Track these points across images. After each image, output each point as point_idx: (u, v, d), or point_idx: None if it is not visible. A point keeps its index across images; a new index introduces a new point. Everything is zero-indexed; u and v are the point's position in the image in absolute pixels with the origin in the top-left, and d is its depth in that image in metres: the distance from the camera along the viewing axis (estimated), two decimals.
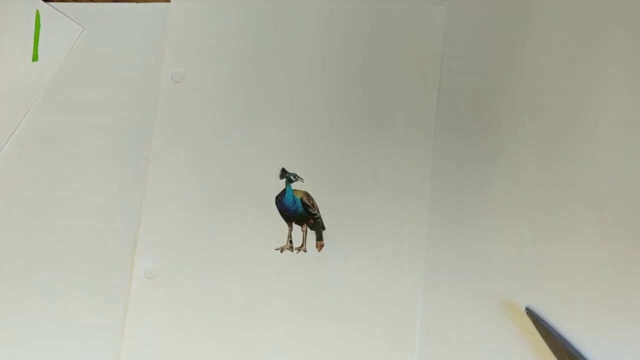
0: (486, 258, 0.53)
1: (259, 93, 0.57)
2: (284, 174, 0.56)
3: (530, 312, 0.52)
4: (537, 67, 0.55)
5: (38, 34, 0.57)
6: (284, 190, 0.55)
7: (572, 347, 0.51)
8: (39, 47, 0.57)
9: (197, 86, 0.57)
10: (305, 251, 0.55)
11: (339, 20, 0.57)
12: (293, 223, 0.55)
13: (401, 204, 0.54)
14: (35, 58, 0.57)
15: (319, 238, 0.55)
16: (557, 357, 0.50)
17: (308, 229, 0.55)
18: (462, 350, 0.52)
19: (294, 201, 0.55)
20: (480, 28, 0.56)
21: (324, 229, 0.55)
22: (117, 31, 0.58)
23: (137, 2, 0.58)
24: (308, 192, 0.55)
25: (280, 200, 0.55)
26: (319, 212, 0.55)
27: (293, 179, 0.56)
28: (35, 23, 0.57)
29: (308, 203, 0.55)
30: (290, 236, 0.55)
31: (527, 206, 0.54)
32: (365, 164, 0.55)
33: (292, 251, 0.55)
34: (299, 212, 0.55)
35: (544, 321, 0.52)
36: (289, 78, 0.57)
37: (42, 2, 0.57)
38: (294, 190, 0.55)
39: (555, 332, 0.52)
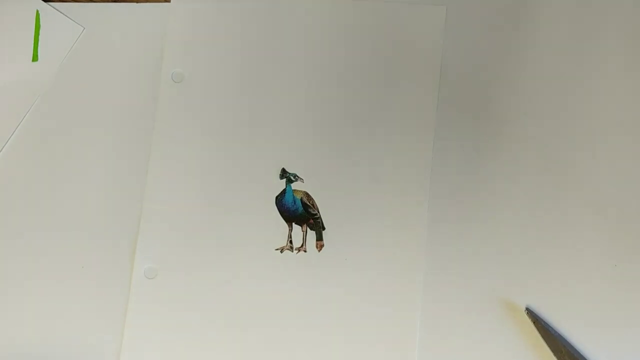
0: (486, 258, 0.53)
1: (258, 93, 0.57)
2: (284, 174, 0.56)
3: (530, 312, 0.52)
4: (536, 67, 0.55)
5: (38, 34, 0.57)
6: (284, 190, 0.55)
7: (572, 347, 0.51)
8: (39, 47, 0.57)
9: (197, 86, 0.57)
10: (305, 251, 0.55)
11: (339, 20, 0.57)
12: (293, 223, 0.55)
13: (401, 204, 0.54)
14: (35, 58, 0.57)
15: (319, 238, 0.55)
16: (557, 357, 0.50)
17: (308, 229, 0.55)
18: (462, 350, 0.52)
19: (294, 201, 0.55)
20: (480, 28, 0.56)
21: (324, 229, 0.55)
22: (117, 31, 0.58)
23: (137, 2, 0.58)
24: (308, 192, 0.55)
25: (280, 200, 0.55)
26: (319, 212, 0.55)
27: (293, 179, 0.55)
28: (35, 23, 0.57)
29: (308, 203, 0.55)
30: (290, 236, 0.55)
31: (527, 206, 0.54)
32: (365, 164, 0.55)
33: (292, 251, 0.55)
34: (299, 212, 0.55)
35: (544, 321, 0.52)
36: (288, 78, 0.57)
37: (42, 2, 0.57)
38: (294, 190, 0.55)
39: (555, 332, 0.52)
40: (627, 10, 0.55)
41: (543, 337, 0.51)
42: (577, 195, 0.54)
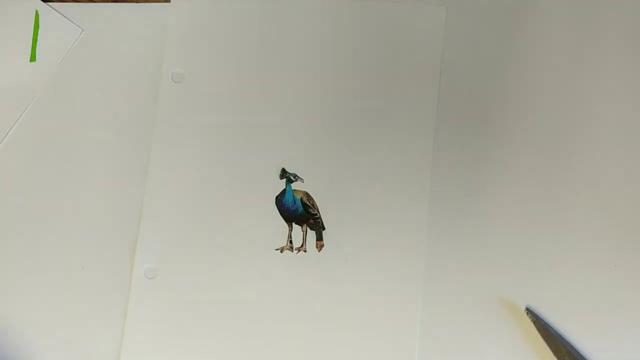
0: (486, 258, 0.53)
1: (258, 93, 0.57)
2: (284, 174, 0.56)
3: (530, 312, 0.52)
4: (536, 67, 0.55)
5: (37, 35, 0.57)
6: (284, 190, 0.55)
7: (572, 347, 0.51)
8: (37, 47, 0.57)
9: (197, 86, 0.57)
10: (305, 251, 0.55)
11: (339, 19, 0.57)
12: (293, 223, 0.55)
13: (401, 204, 0.54)
14: (33, 58, 0.57)
15: (319, 238, 0.55)
16: (557, 357, 0.50)
17: (308, 229, 0.55)
18: (462, 350, 0.52)
19: (294, 201, 0.55)
20: (480, 28, 0.56)
21: (324, 229, 0.55)
22: (117, 31, 0.58)
23: (137, 2, 0.58)
24: (308, 192, 0.55)
25: (280, 200, 0.55)
26: (319, 212, 0.55)
27: (293, 179, 0.55)
28: (34, 24, 0.57)
29: (308, 203, 0.55)
30: (290, 236, 0.55)
31: (527, 206, 0.54)
32: (365, 164, 0.55)
33: (292, 251, 0.55)
34: (299, 212, 0.55)
35: (544, 321, 0.52)
36: (288, 78, 0.57)
37: (42, 2, 0.57)
38: (294, 190, 0.55)
39: (555, 332, 0.52)
40: (628, 10, 0.55)
41: (543, 337, 0.51)
42: (578, 195, 0.54)
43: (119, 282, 0.55)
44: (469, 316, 0.53)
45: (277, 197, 0.55)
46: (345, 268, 0.54)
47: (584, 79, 0.55)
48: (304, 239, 0.55)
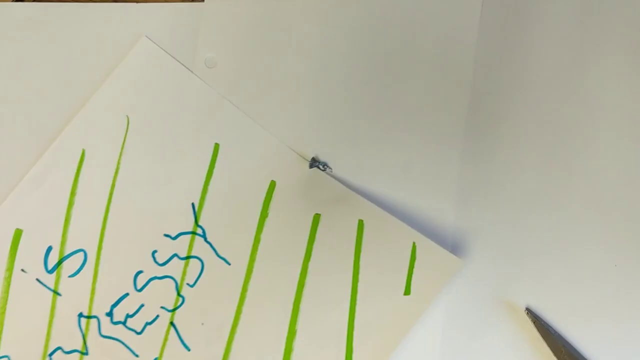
0: (486, 258, 0.53)
1: (275, 86, 0.56)
2: (313, 162, 0.55)
3: (530, 312, 0.52)
4: (537, 67, 0.55)
5: None
6: None
7: (572, 347, 0.51)
8: None
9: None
10: None
11: (367, 9, 0.55)
12: None
13: (428, 201, 0.54)
14: None
15: None
16: (557, 357, 0.51)
17: None
18: (461, 350, 0.53)
19: None
20: (516, 19, 0.55)
21: None
22: (117, 31, 0.57)
23: (137, 2, 0.57)
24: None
25: None
26: None
27: (322, 169, 0.55)
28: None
29: None
30: None
31: (527, 206, 0.54)
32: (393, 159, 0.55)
33: None
34: None
35: (544, 321, 0.52)
36: (314, 69, 0.55)
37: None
38: None
39: (555, 332, 0.52)
40: (629, 10, 0.55)
41: (543, 337, 0.51)
42: (577, 194, 0.53)
43: None
44: (469, 316, 0.53)
45: None
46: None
47: (584, 78, 0.55)
48: None
